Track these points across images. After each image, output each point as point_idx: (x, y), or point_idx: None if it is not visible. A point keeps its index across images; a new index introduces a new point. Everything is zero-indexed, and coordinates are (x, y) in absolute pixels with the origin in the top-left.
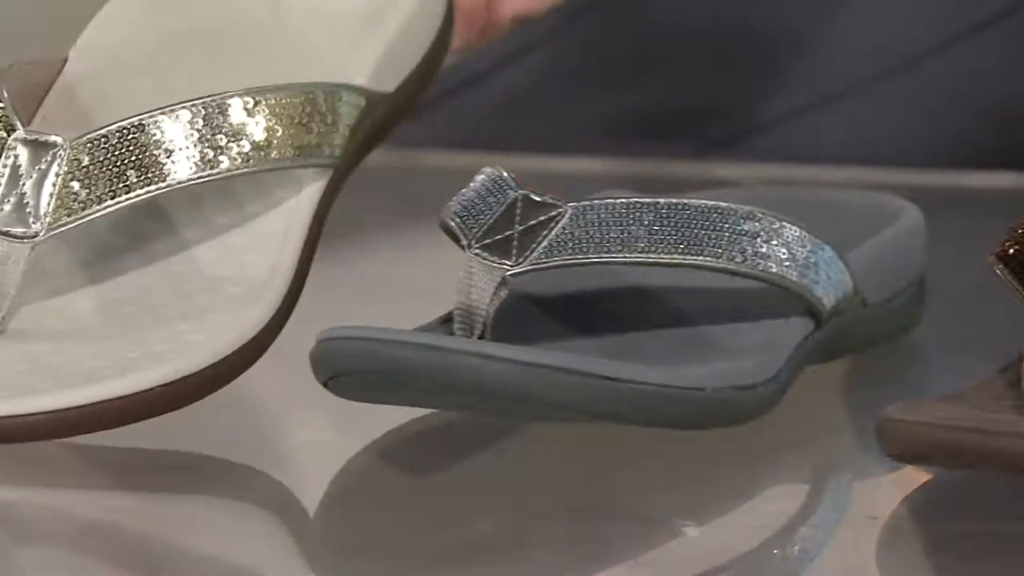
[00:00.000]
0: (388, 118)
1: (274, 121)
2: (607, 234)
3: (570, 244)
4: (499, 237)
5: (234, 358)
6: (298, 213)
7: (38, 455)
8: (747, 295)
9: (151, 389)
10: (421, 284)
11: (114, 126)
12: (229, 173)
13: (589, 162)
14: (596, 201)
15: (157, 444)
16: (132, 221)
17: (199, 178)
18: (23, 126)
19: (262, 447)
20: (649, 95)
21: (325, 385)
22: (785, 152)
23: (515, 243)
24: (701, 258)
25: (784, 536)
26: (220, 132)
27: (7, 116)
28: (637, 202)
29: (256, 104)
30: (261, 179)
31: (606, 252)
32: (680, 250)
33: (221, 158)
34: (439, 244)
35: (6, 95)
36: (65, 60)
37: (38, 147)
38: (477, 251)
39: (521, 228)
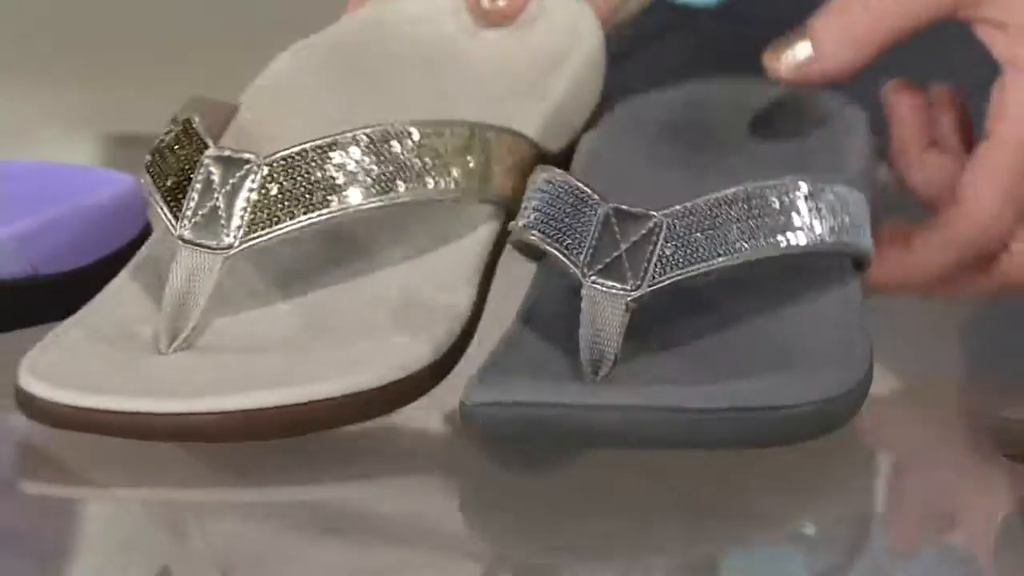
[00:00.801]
0: None
1: (443, 152)
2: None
3: (679, 256)
4: (608, 260)
5: (403, 384)
6: (473, 250)
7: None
8: (799, 285)
9: (333, 399)
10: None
11: (308, 144)
12: (401, 200)
13: None
14: (679, 208)
15: (272, 448)
16: (319, 240)
17: (380, 203)
18: (214, 145)
19: (391, 449)
20: None
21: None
22: None
23: (626, 263)
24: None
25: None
26: (391, 161)
27: (200, 136)
28: (718, 199)
29: (425, 136)
30: (434, 213)
31: (705, 261)
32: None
33: (395, 184)
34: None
35: (198, 119)
36: (237, 106)
37: (231, 163)
38: (595, 279)
39: (626, 247)
